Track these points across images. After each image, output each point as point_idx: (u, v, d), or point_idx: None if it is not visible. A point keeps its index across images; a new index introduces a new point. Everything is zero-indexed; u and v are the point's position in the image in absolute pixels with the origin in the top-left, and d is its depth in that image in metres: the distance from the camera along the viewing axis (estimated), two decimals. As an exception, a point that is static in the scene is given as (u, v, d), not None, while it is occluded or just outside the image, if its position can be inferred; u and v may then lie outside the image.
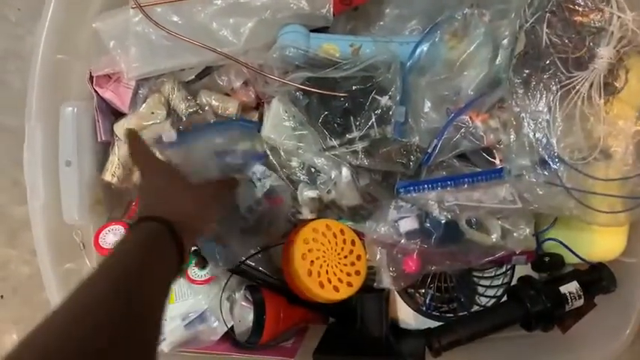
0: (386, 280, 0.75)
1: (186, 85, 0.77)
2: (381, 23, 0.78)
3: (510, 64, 0.65)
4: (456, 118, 0.70)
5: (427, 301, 0.82)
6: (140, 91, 0.76)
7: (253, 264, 0.81)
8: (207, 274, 0.77)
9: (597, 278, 0.76)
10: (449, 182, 0.70)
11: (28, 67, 0.73)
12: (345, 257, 0.77)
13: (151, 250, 0.49)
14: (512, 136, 0.65)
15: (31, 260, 1.06)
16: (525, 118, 0.63)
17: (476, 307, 0.82)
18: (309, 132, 0.71)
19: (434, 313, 0.82)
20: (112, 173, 0.76)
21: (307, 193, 0.76)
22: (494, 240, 0.73)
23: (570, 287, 0.75)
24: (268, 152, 0.77)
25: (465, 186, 0.70)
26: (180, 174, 0.62)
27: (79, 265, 0.77)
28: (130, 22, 0.71)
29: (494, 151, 0.72)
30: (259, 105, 0.78)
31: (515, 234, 0.73)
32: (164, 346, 0.77)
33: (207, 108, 0.75)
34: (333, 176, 0.73)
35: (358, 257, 0.78)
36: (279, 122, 0.73)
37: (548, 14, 0.61)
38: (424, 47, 0.71)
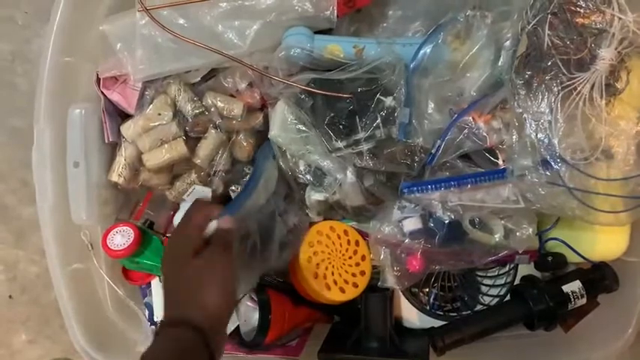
0: (390, 280, 0.76)
1: (192, 87, 0.77)
2: (384, 25, 0.78)
3: (512, 66, 0.65)
4: (459, 119, 0.71)
5: (431, 301, 0.82)
6: (146, 93, 0.76)
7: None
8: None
9: (600, 277, 0.77)
10: (452, 182, 0.70)
11: (36, 70, 0.73)
12: (350, 258, 0.78)
13: None
14: (514, 137, 0.65)
15: (39, 260, 1.07)
16: (527, 119, 0.63)
17: (479, 307, 0.82)
18: (315, 134, 0.71)
19: (438, 312, 0.82)
20: (118, 173, 0.77)
21: (315, 196, 0.76)
22: (497, 240, 0.73)
23: (573, 286, 0.75)
24: (278, 154, 0.76)
25: (468, 186, 0.70)
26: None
27: (86, 265, 0.77)
28: (137, 25, 0.71)
29: (497, 151, 0.72)
30: (264, 107, 0.79)
31: (518, 234, 0.73)
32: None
33: (212, 109, 0.76)
34: (338, 178, 0.73)
35: (363, 257, 0.79)
36: (285, 124, 0.73)
37: (549, 16, 0.61)
38: (427, 49, 0.71)
